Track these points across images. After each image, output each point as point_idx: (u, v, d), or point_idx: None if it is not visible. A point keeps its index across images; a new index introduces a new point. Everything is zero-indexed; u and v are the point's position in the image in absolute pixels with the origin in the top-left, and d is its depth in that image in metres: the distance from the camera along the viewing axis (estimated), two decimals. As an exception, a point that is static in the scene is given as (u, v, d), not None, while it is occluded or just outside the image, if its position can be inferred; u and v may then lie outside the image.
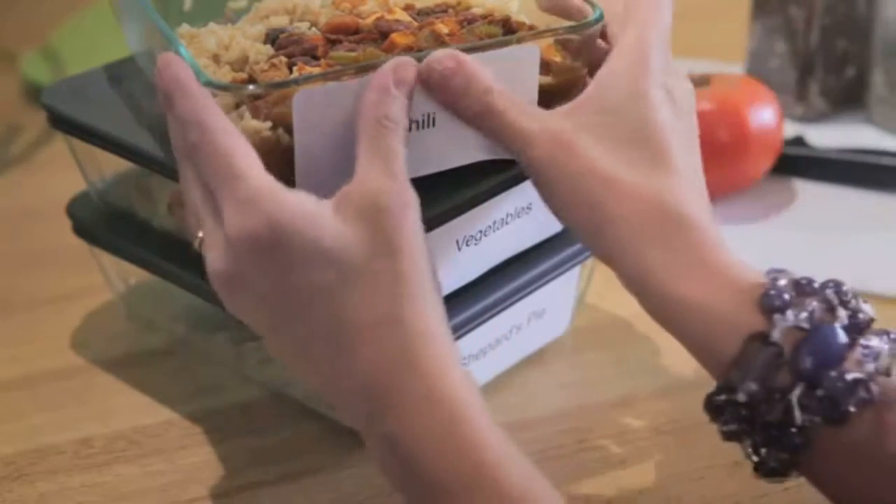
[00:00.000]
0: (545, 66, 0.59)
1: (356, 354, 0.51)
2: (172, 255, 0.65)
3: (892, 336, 0.52)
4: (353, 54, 0.59)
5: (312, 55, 0.60)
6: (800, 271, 0.54)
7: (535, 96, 0.59)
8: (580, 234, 0.56)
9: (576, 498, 0.63)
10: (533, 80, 0.59)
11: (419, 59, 0.56)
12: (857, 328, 0.52)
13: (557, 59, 0.60)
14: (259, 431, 0.67)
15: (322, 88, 0.55)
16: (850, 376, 0.50)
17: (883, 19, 0.93)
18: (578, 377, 0.72)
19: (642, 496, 0.64)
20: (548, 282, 0.68)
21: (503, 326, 0.68)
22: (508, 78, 0.57)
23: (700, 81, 0.85)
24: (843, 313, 0.52)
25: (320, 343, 0.52)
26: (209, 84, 0.55)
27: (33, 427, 0.68)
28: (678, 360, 0.71)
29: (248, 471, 0.65)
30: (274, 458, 0.66)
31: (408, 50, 0.59)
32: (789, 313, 0.51)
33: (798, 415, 0.51)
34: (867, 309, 0.53)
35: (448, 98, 0.56)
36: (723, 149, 0.83)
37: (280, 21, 0.64)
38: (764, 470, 0.53)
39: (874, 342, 0.52)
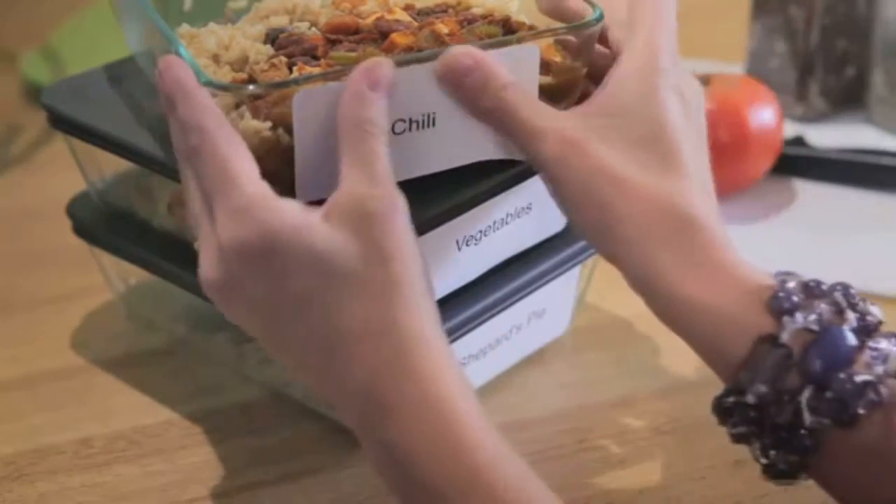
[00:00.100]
0: (545, 66, 0.59)
1: (351, 361, 0.51)
2: (172, 255, 0.65)
3: None
4: (353, 54, 0.59)
5: (312, 55, 0.60)
6: (800, 271, 0.54)
7: (536, 96, 0.59)
8: (588, 233, 0.56)
9: (576, 498, 0.63)
10: (533, 80, 0.59)
11: (419, 60, 0.56)
12: (866, 330, 0.52)
13: (557, 59, 0.60)
14: (259, 431, 0.67)
15: (322, 88, 0.55)
16: (859, 378, 0.51)
17: (883, 19, 0.93)
18: (578, 377, 0.72)
19: (642, 496, 0.64)
20: (548, 282, 0.68)
21: (503, 326, 0.68)
22: (508, 78, 0.57)
23: (700, 81, 0.84)
24: (851, 316, 0.52)
25: (314, 349, 0.52)
26: (209, 84, 0.55)
27: (33, 427, 0.68)
28: (678, 360, 0.71)
29: (248, 471, 0.65)
30: (274, 458, 0.66)
31: (408, 50, 0.59)
32: (798, 315, 0.52)
33: (807, 417, 0.51)
34: (875, 311, 0.53)
35: (465, 95, 0.56)
36: (723, 149, 0.83)
37: (280, 21, 0.64)
38: (773, 472, 0.53)
39: (883, 344, 0.52)
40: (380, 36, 0.60)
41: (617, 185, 0.54)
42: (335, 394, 0.53)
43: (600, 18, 0.60)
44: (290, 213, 0.52)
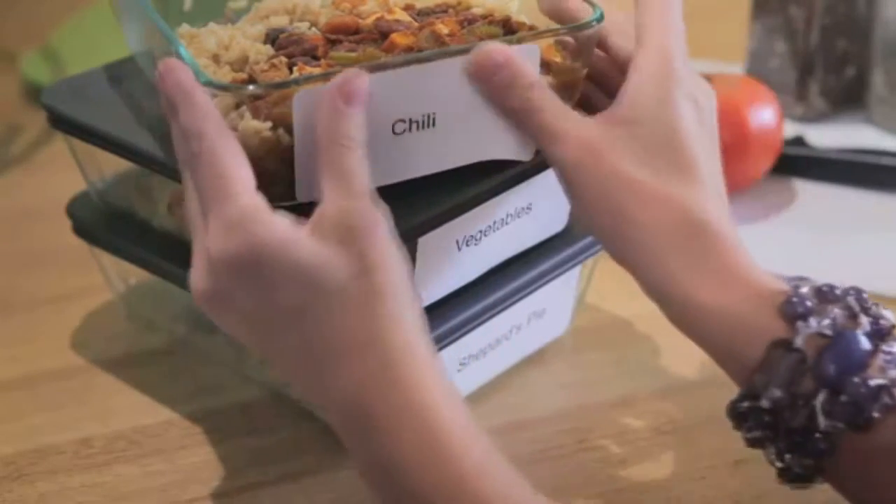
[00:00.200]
0: (545, 66, 0.59)
1: (338, 372, 0.52)
2: (172, 255, 0.65)
3: None
4: (353, 54, 0.59)
5: (312, 55, 0.60)
6: (800, 271, 0.54)
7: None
8: (602, 238, 0.57)
9: (576, 498, 0.63)
10: (533, 80, 0.59)
11: (419, 60, 0.56)
12: (880, 334, 0.52)
13: (557, 59, 0.60)
14: (259, 431, 0.67)
15: (322, 88, 0.55)
16: (873, 382, 0.51)
17: (883, 19, 0.93)
18: (578, 377, 0.72)
19: (642, 496, 0.64)
20: (548, 282, 0.68)
21: (503, 326, 0.68)
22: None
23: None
24: (865, 320, 0.52)
25: (303, 360, 0.53)
26: (209, 84, 0.55)
27: (33, 427, 0.68)
28: (678, 360, 0.71)
29: (248, 471, 0.65)
30: (274, 458, 0.66)
31: (408, 50, 0.59)
32: (812, 320, 0.52)
33: (822, 421, 0.51)
34: (889, 315, 0.53)
35: (493, 91, 0.57)
36: (723, 149, 0.82)
37: (280, 21, 0.64)
38: (788, 476, 0.53)
39: None
40: (380, 36, 0.60)
41: (632, 190, 0.55)
42: (322, 402, 0.53)
43: (600, 19, 0.60)
44: (280, 227, 0.52)
